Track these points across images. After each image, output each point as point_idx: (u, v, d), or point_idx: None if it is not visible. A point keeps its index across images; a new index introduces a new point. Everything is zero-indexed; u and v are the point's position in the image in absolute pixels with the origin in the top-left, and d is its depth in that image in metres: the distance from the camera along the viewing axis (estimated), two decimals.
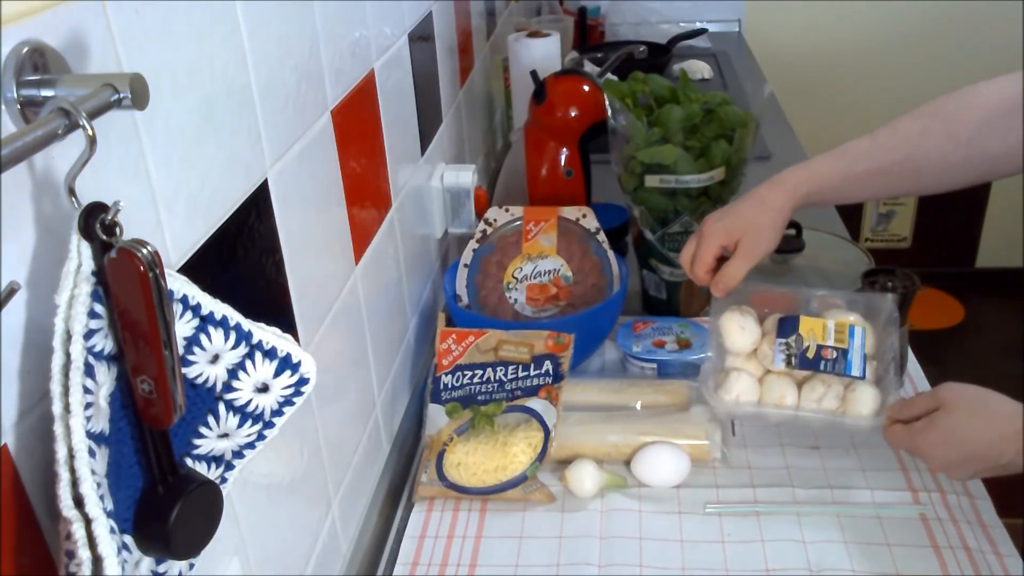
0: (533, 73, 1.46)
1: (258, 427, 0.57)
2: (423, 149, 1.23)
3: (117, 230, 0.44)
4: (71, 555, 0.42)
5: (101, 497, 0.42)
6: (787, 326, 1.00)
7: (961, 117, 0.96)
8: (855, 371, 0.97)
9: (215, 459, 0.56)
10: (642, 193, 1.22)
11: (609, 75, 1.43)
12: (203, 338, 0.51)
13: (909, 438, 0.91)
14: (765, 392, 0.99)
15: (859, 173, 1.00)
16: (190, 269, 0.57)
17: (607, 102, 1.24)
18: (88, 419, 0.43)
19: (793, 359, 0.98)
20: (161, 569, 0.50)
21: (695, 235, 1.05)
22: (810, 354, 0.97)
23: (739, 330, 1.01)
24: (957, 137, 0.96)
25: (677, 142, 1.17)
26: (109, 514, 0.43)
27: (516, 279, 1.25)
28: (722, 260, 1.03)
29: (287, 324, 0.74)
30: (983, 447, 0.86)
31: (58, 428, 0.42)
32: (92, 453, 0.43)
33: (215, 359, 0.53)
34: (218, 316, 0.52)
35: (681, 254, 1.06)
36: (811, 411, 0.96)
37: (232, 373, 0.54)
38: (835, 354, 0.97)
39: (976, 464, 0.87)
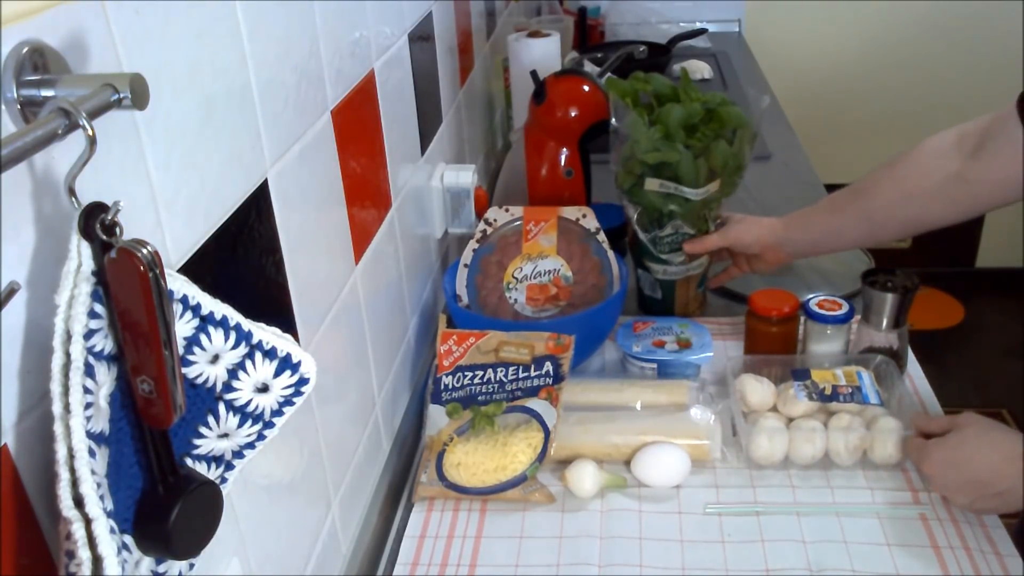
0: (533, 73, 1.46)
1: (258, 427, 0.57)
2: (423, 149, 1.23)
3: (117, 230, 0.44)
4: (71, 555, 0.42)
5: (101, 497, 0.42)
6: (800, 374, 1.07)
7: (907, 171, 1.07)
8: (872, 399, 1.02)
9: (215, 459, 0.56)
10: (637, 193, 1.22)
11: (610, 75, 1.42)
12: (203, 338, 0.51)
13: (918, 451, 0.95)
14: (793, 434, 1.01)
15: (846, 223, 1.14)
16: (190, 269, 0.57)
17: (610, 101, 1.24)
18: (88, 419, 0.43)
19: (813, 395, 1.03)
20: (161, 569, 0.50)
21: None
22: (827, 392, 1.04)
23: (757, 384, 1.06)
24: (910, 199, 1.06)
25: (678, 141, 1.17)
26: (109, 514, 0.43)
27: (516, 279, 1.25)
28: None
29: (287, 324, 0.74)
30: (984, 469, 0.89)
31: (58, 428, 0.42)
32: (92, 453, 0.43)
33: (215, 359, 0.53)
34: (218, 316, 0.52)
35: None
36: (841, 448, 1.00)
37: (232, 373, 0.54)
38: (850, 389, 1.04)
39: (976, 489, 0.90)
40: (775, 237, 1.19)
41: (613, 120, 1.23)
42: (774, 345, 1.14)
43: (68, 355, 0.43)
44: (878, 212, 1.08)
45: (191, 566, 0.54)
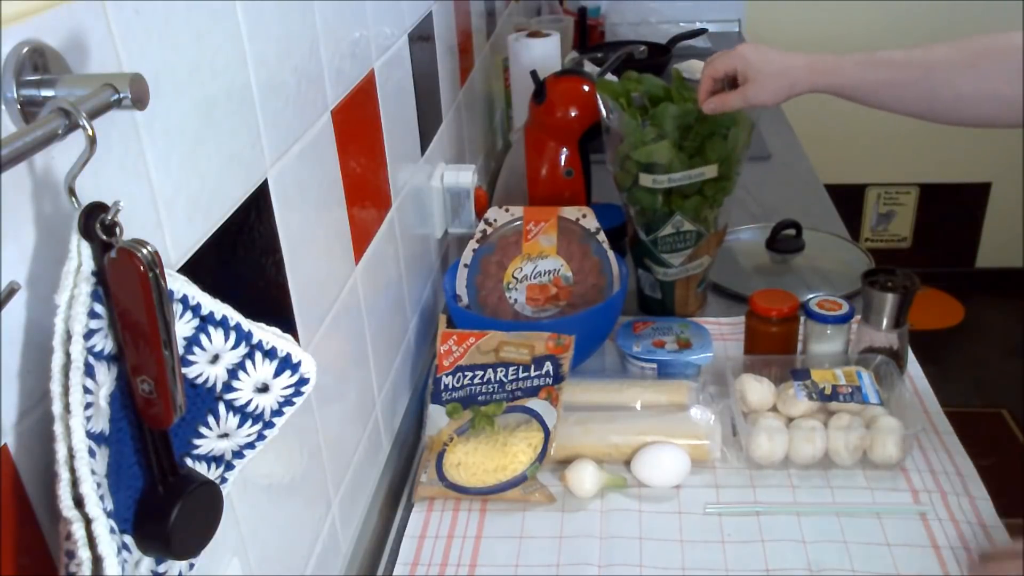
0: (533, 73, 1.46)
1: (258, 427, 0.57)
2: (423, 149, 1.23)
3: (117, 230, 0.44)
4: (71, 555, 0.42)
5: (101, 497, 0.42)
6: (800, 374, 1.06)
7: (984, 51, 0.98)
8: (872, 399, 1.02)
9: (215, 459, 0.56)
10: (636, 192, 1.22)
11: (609, 75, 1.42)
12: (203, 338, 0.51)
13: (985, 566, 0.89)
14: (793, 434, 1.01)
15: (880, 78, 1.04)
16: (190, 269, 0.57)
17: (600, 101, 1.24)
18: (88, 419, 0.43)
19: (813, 395, 1.03)
20: (161, 569, 0.50)
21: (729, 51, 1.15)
22: (827, 391, 1.03)
23: (757, 384, 1.06)
24: (976, 68, 0.98)
25: (672, 140, 1.17)
26: (109, 514, 0.43)
27: (516, 279, 1.25)
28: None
29: (287, 324, 0.74)
30: None
31: (58, 428, 0.42)
32: (92, 453, 0.43)
33: (215, 359, 0.53)
34: (218, 316, 0.52)
35: (706, 62, 1.17)
36: (841, 447, 1.00)
37: (232, 373, 0.54)
38: (850, 389, 1.04)
39: None
40: (798, 88, 1.09)
41: (604, 118, 1.23)
42: (774, 345, 1.14)
43: (68, 355, 0.43)
44: (943, 88, 1.00)
45: (191, 566, 0.54)
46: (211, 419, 0.54)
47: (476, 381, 1.06)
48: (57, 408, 0.42)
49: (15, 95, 0.42)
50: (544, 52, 1.73)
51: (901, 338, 1.11)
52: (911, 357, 1.17)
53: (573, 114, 1.41)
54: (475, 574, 0.92)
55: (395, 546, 0.97)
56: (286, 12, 0.73)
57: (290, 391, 0.57)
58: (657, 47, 2.42)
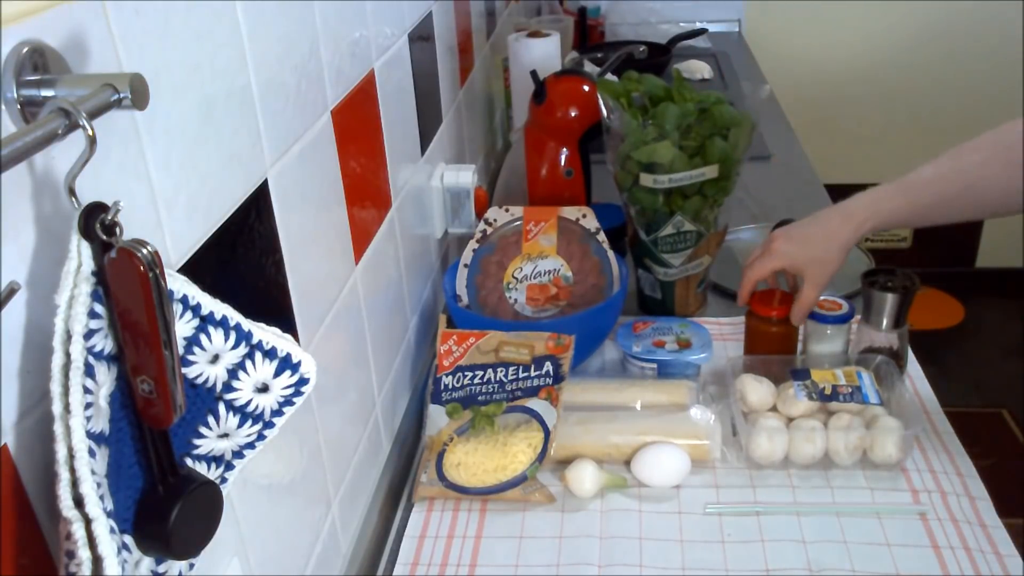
0: (533, 73, 1.46)
1: (258, 427, 0.57)
2: (423, 149, 1.23)
3: (117, 230, 0.44)
4: (71, 555, 0.42)
5: (101, 497, 0.42)
6: (800, 374, 1.06)
7: (1020, 144, 0.96)
8: (872, 399, 1.02)
9: (215, 459, 0.56)
10: (636, 192, 1.22)
11: (609, 75, 1.43)
12: (203, 338, 0.51)
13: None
14: (793, 434, 1.01)
15: (924, 205, 1.02)
16: (190, 269, 0.57)
17: (600, 101, 1.24)
18: (88, 419, 0.43)
19: (813, 395, 1.03)
20: (161, 569, 0.50)
21: (762, 248, 1.12)
22: (827, 391, 1.03)
23: (757, 384, 1.06)
24: (1016, 163, 0.96)
25: (672, 141, 1.17)
26: (109, 514, 0.43)
27: (516, 279, 1.25)
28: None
29: (287, 324, 0.74)
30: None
31: (58, 428, 0.42)
32: (92, 453, 0.43)
33: (215, 359, 0.53)
34: (218, 316, 0.52)
35: (746, 265, 1.14)
36: (841, 447, 1.00)
37: (232, 373, 0.54)
38: (850, 389, 1.04)
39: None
40: (849, 246, 1.05)
41: (604, 118, 1.23)
42: (773, 345, 1.14)
43: (68, 355, 0.43)
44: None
45: (191, 566, 0.54)
46: (211, 419, 0.54)
47: (476, 381, 1.06)
48: (57, 408, 0.42)
49: (15, 95, 0.42)
50: (544, 52, 1.73)
51: (901, 338, 1.11)
52: (911, 357, 1.17)
53: (573, 114, 1.41)
54: (475, 574, 0.92)
55: (395, 546, 0.97)
56: (286, 12, 0.73)
57: (290, 391, 0.57)
58: (657, 47, 2.42)
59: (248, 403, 0.55)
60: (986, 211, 1.03)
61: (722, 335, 1.27)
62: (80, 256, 0.43)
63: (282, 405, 0.57)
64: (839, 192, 1.95)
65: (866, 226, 1.04)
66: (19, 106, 0.42)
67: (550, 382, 1.04)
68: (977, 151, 0.99)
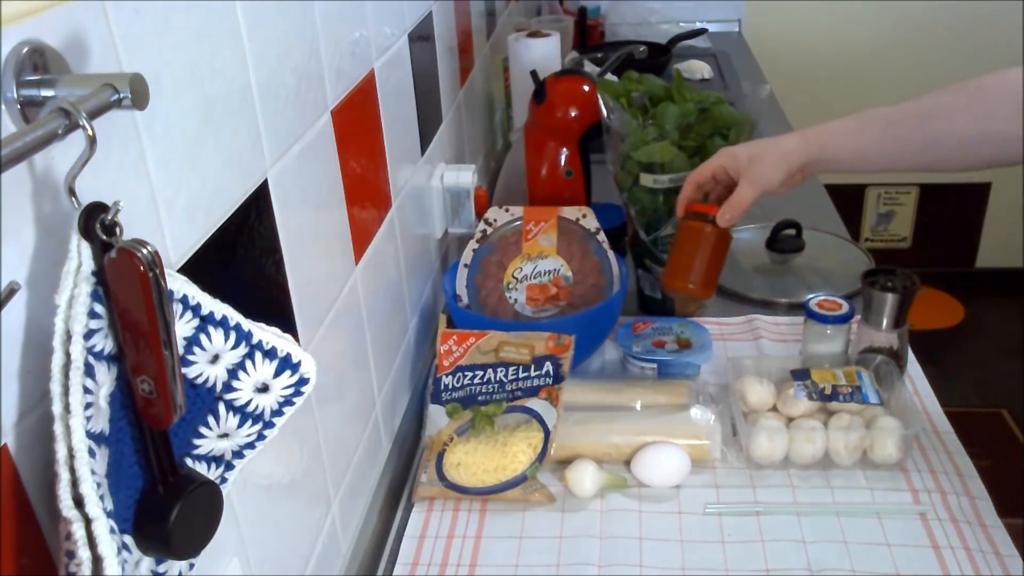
0: (533, 73, 1.46)
1: (258, 427, 0.57)
2: (423, 149, 1.23)
3: (117, 230, 0.44)
4: (71, 555, 0.42)
5: (101, 497, 0.42)
6: (800, 373, 1.06)
7: (982, 94, 0.95)
8: (872, 399, 1.02)
9: (215, 459, 0.56)
10: (636, 192, 1.22)
11: (609, 75, 1.43)
12: (203, 338, 0.51)
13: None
14: (793, 434, 1.01)
15: (874, 137, 1.00)
16: (190, 269, 0.57)
17: (600, 101, 1.24)
18: (88, 419, 0.43)
19: (813, 395, 1.03)
20: (161, 569, 0.50)
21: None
22: (827, 391, 1.03)
23: (757, 384, 1.06)
24: (975, 112, 0.95)
25: (672, 141, 1.17)
26: (109, 514, 0.43)
27: (516, 279, 1.25)
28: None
29: (287, 324, 0.74)
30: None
31: (58, 428, 0.42)
32: (92, 453, 0.43)
33: (215, 359, 0.53)
34: (218, 316, 0.52)
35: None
36: (841, 447, 1.00)
37: (232, 373, 0.54)
38: (850, 389, 1.04)
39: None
40: (798, 164, 1.03)
41: (604, 118, 1.23)
42: (706, 248, 1.07)
43: (68, 355, 0.43)
44: (943, 146, 0.96)
45: (191, 566, 0.54)
46: (211, 419, 0.54)
47: (476, 381, 1.06)
48: (57, 408, 0.42)
49: (15, 95, 0.42)
50: (544, 52, 1.73)
51: (901, 338, 1.11)
52: (911, 357, 1.17)
53: (573, 114, 1.41)
54: (475, 574, 0.92)
55: (395, 546, 0.97)
56: (286, 12, 0.73)
57: (290, 391, 0.57)
58: (657, 47, 2.42)
59: (248, 403, 0.55)
60: (934, 159, 0.99)
61: (722, 335, 1.27)
62: (80, 256, 0.43)
63: (282, 405, 0.57)
64: (839, 192, 1.95)
65: (813, 141, 1.02)
66: (19, 106, 0.42)
67: (550, 382, 1.04)
68: (939, 95, 0.98)
